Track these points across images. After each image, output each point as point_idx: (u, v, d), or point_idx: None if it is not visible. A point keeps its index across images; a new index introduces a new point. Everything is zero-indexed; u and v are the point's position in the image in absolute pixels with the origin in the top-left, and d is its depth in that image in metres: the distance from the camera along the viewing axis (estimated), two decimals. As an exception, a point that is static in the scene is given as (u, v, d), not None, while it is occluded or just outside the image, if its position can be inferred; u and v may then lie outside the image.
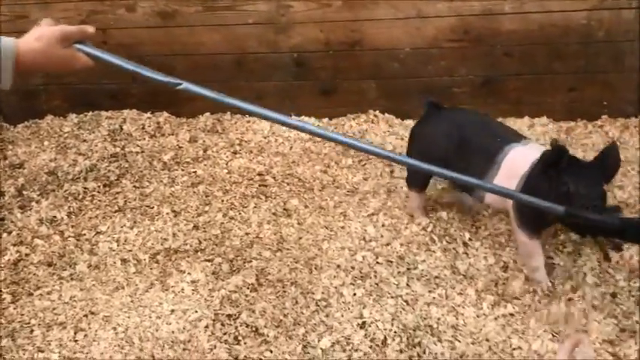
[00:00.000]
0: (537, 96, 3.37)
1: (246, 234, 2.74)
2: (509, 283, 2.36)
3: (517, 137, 2.38)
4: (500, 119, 3.35)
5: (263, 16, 3.40)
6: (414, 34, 3.32)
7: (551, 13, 3.19)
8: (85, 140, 3.51)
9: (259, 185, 3.06)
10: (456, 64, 3.35)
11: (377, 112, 3.51)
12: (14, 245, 2.77)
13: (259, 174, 3.14)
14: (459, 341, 2.14)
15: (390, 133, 3.36)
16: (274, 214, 2.86)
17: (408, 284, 2.39)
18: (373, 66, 3.43)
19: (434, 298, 2.32)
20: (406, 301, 2.32)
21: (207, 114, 3.64)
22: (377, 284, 2.39)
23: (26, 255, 2.72)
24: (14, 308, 2.44)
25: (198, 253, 2.63)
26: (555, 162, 2.08)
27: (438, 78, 3.39)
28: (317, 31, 3.40)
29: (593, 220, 1.92)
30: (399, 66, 3.39)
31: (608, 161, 2.08)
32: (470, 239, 2.59)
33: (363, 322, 2.23)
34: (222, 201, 2.96)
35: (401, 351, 2.11)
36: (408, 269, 2.45)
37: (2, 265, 2.66)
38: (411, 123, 3.42)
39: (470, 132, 2.41)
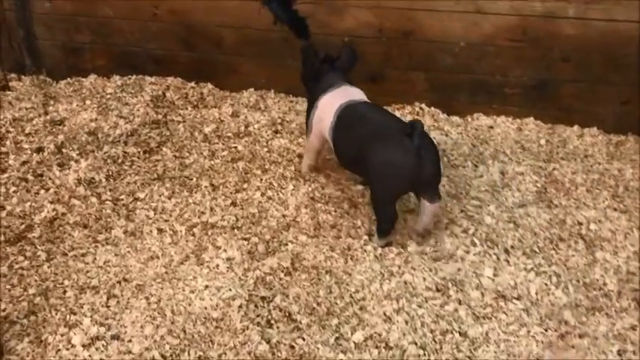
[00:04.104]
0: (590, 105, 3.28)
1: (284, 216, 2.71)
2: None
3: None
4: (549, 125, 3.31)
5: (319, -5, 3.35)
6: (471, 29, 3.24)
7: (616, 22, 3.08)
8: (127, 103, 3.50)
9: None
10: (510, 63, 3.26)
11: (423, 105, 3.45)
12: (51, 203, 2.77)
13: (299, 156, 3.10)
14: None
15: (435, 127, 3.30)
16: (312, 198, 2.82)
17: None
18: (425, 57, 3.36)
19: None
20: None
21: (252, 90, 3.61)
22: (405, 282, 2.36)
23: (62, 214, 2.72)
24: (48, 267, 2.44)
25: (235, 231, 2.61)
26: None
27: (491, 76, 3.32)
28: (371, 17, 3.33)
29: None
30: (451, 60, 3.32)
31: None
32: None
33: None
34: (261, 180, 2.93)
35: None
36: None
37: (38, 222, 2.67)
38: (457, 119, 3.38)
39: None
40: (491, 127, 3.31)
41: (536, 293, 2.31)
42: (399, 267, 2.42)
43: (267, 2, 2.57)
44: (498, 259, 2.45)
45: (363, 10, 3.33)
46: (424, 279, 2.35)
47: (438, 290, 2.30)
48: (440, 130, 3.29)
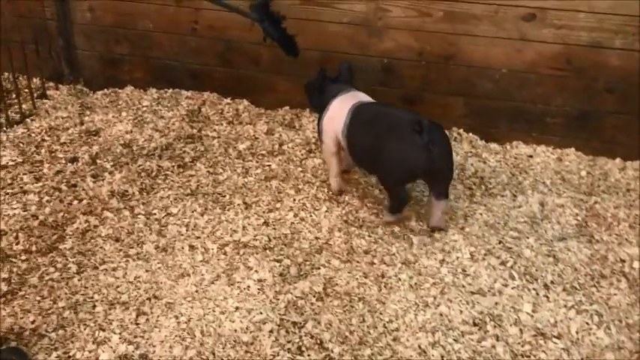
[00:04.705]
0: (633, 138, 3.19)
1: (316, 238, 2.67)
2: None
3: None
4: (590, 157, 3.23)
5: (359, 17, 3.31)
6: (513, 55, 3.18)
7: (665, 54, 3.01)
8: (162, 117, 3.49)
9: (332, 189, 2.98)
10: (553, 92, 3.20)
11: (461, 131, 3.39)
12: (84, 214, 2.76)
13: (333, 177, 3.05)
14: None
15: (472, 154, 3.24)
16: (346, 221, 2.77)
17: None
18: (464, 82, 3.30)
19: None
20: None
21: (287, 108, 3.58)
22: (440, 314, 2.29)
23: (95, 226, 2.70)
24: (79, 280, 2.42)
25: (267, 251, 2.57)
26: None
27: (532, 104, 3.25)
28: (411, 40, 3.29)
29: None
30: (491, 86, 3.26)
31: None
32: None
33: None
34: (294, 200, 2.89)
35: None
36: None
37: (70, 233, 2.65)
38: (495, 147, 3.32)
39: None
40: (531, 157, 3.24)
41: (577, 332, 2.22)
42: (435, 298, 2.35)
43: (259, 20, 2.77)
44: (537, 294, 2.37)
45: (404, 32, 3.29)
46: (461, 312, 2.28)
47: (475, 324, 2.23)
48: (478, 157, 3.23)
